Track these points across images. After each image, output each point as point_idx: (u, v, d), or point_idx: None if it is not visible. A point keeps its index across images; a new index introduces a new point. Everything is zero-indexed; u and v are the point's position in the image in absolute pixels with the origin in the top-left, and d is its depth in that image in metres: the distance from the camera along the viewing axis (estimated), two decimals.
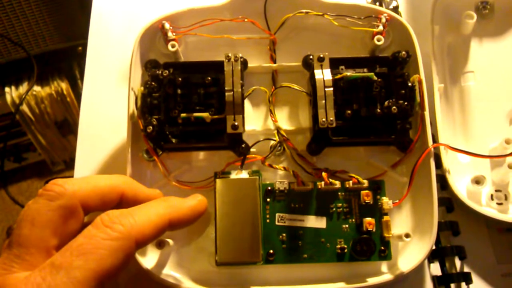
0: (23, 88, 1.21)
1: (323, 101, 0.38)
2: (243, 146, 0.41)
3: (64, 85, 1.21)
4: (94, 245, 0.28)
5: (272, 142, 0.43)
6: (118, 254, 0.28)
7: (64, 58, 1.20)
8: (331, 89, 0.39)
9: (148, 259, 0.39)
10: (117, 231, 0.29)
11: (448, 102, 0.46)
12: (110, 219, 0.29)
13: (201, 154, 0.43)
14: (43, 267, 0.27)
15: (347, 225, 0.39)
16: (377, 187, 0.40)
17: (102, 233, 0.28)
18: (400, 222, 0.41)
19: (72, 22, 1.12)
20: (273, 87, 0.43)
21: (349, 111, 0.40)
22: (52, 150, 1.30)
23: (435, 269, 0.41)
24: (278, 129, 0.42)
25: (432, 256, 0.41)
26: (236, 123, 0.38)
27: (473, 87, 0.47)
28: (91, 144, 0.46)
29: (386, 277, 0.39)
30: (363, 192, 0.39)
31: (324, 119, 0.38)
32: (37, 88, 1.22)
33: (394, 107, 0.39)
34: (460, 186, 0.43)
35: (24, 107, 1.22)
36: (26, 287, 0.26)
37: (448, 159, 0.43)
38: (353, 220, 0.39)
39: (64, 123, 1.25)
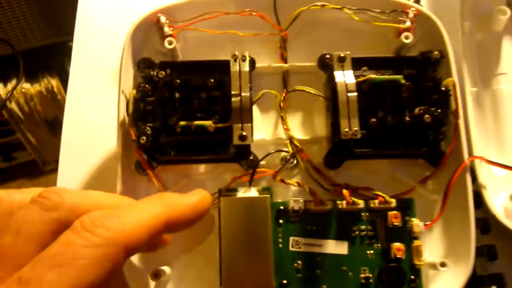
0: (12, 85, 1.14)
1: (346, 108, 0.32)
2: (251, 158, 0.35)
3: (54, 82, 1.14)
4: (71, 255, 0.23)
5: (283, 154, 0.37)
6: (102, 265, 0.23)
7: (55, 54, 1.13)
8: (355, 94, 0.33)
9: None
10: (100, 236, 0.23)
11: (480, 108, 0.40)
12: (91, 222, 0.24)
13: (202, 167, 0.37)
14: (8, 283, 0.22)
15: (372, 251, 0.33)
16: (406, 207, 0.34)
17: (82, 238, 0.23)
18: (431, 247, 0.35)
19: (63, 16, 1.05)
20: (285, 90, 0.37)
21: (373, 119, 0.34)
22: (43, 149, 1.23)
23: None
24: (290, 138, 0.36)
25: (467, 286, 0.35)
26: (244, 133, 0.32)
27: (506, 90, 0.41)
28: (76, 153, 0.39)
29: None
30: (390, 213, 0.33)
31: (347, 129, 0.32)
32: (26, 85, 1.15)
33: (427, 115, 0.33)
34: (497, 204, 0.37)
35: (13, 105, 1.15)
36: None
37: (482, 173, 0.37)
38: (379, 245, 0.33)
39: (55, 122, 1.18)
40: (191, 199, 0.29)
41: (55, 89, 1.13)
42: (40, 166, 1.27)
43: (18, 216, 0.25)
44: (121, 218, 0.25)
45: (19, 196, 0.28)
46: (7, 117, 1.14)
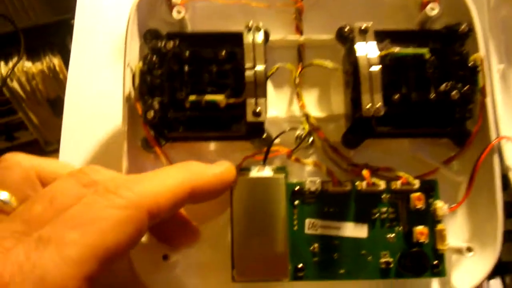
0: (13, 63, 1.12)
1: (368, 83, 0.30)
2: (264, 136, 0.33)
3: (56, 61, 1.11)
4: (94, 215, 0.22)
5: (298, 132, 0.34)
6: (125, 227, 0.22)
7: (57, 32, 1.09)
8: (378, 67, 0.30)
9: (150, 274, 0.31)
10: (124, 198, 0.23)
11: (506, 86, 0.38)
12: (115, 185, 0.23)
13: (212, 145, 0.34)
14: (28, 241, 0.21)
15: (393, 235, 0.31)
16: (429, 188, 0.32)
17: (106, 200, 0.23)
18: (455, 231, 0.33)
19: None
20: (300, 65, 0.35)
21: (396, 96, 0.32)
22: (45, 129, 1.21)
23: (495, 287, 0.34)
24: (306, 116, 0.33)
25: (492, 273, 0.33)
26: (258, 109, 0.30)
27: None
28: (79, 130, 0.37)
29: None
30: (413, 195, 0.31)
31: (369, 106, 0.30)
32: (28, 64, 1.12)
33: (454, 92, 0.31)
34: None
35: (14, 84, 1.12)
36: (4, 267, 0.20)
37: (509, 154, 0.35)
38: (400, 228, 0.31)
39: (57, 101, 1.15)
40: (217, 168, 0.29)
41: (57, 68, 1.10)
42: (42, 146, 1.25)
43: (54, 187, 0.24)
44: (145, 182, 0.24)
45: (48, 166, 0.27)
46: (9, 96, 1.12)
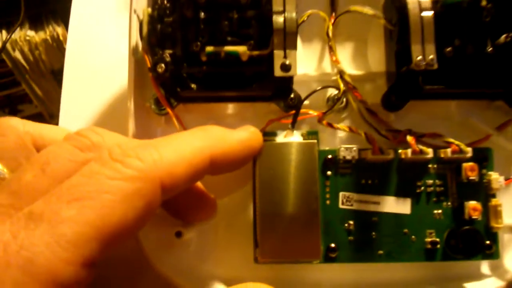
0: (15, 33, 1.07)
1: (419, 32, 0.25)
2: (292, 97, 0.28)
3: (60, 30, 1.06)
4: (96, 187, 0.18)
5: (330, 92, 0.30)
6: (133, 202, 0.19)
7: None
8: (431, 13, 0.25)
9: (160, 254, 0.27)
10: (132, 167, 0.19)
11: None
12: (123, 152, 0.20)
13: (231, 107, 0.30)
14: (17, 217, 0.18)
15: (440, 211, 0.27)
16: (482, 158, 0.27)
17: (110, 169, 0.19)
18: (509, 208, 0.29)
19: None
20: (333, 14, 0.30)
21: (448, 48, 0.27)
22: (49, 102, 1.17)
23: None
24: (340, 73, 0.29)
25: None
26: (287, 62, 0.25)
27: None
28: (80, 90, 0.32)
29: (493, 283, 0.27)
30: (465, 165, 0.26)
31: (420, 58, 0.25)
32: (30, 33, 1.07)
33: None
34: None
35: (17, 54, 1.08)
36: None
37: None
38: (449, 203, 0.27)
39: (61, 72, 1.11)
40: (241, 134, 0.24)
41: (61, 37, 1.05)
42: (47, 119, 1.21)
43: (46, 152, 0.21)
44: (158, 148, 0.20)
45: (46, 131, 0.24)
46: (11, 66, 1.07)
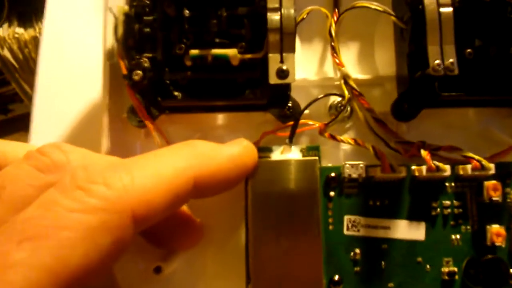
0: (4, 31, 1.03)
1: (437, 31, 0.21)
2: (290, 105, 0.25)
3: None
4: (53, 222, 0.16)
5: (333, 99, 0.26)
6: (97, 239, 0.16)
7: None
8: (450, 10, 0.22)
9: None
10: (97, 196, 0.16)
11: None
12: (87, 176, 0.17)
13: (221, 117, 0.26)
14: None
15: (458, 236, 0.23)
16: (505, 174, 0.24)
17: (70, 199, 0.16)
18: None
19: None
20: (336, 10, 0.26)
21: (469, 50, 0.23)
22: None
23: None
24: (345, 78, 0.25)
25: None
26: (284, 67, 0.22)
27: None
28: (53, 99, 0.29)
29: None
30: (487, 183, 0.23)
31: (438, 61, 0.21)
32: (19, 30, 1.03)
33: None
34: None
35: (6, 52, 1.04)
36: None
37: None
38: (469, 227, 0.24)
39: None
40: (231, 149, 0.21)
41: None
42: None
43: (3, 174, 0.18)
44: (130, 170, 0.17)
45: (12, 149, 0.21)
46: (0, 65, 1.03)
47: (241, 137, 0.22)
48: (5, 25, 1.03)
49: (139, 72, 0.21)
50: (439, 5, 0.21)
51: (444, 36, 0.21)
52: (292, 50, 0.22)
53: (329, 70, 0.26)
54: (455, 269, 0.23)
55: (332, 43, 0.25)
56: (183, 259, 0.24)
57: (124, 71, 0.22)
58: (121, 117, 0.25)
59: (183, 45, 0.23)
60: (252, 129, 0.25)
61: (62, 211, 0.16)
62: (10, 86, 1.12)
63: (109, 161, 0.19)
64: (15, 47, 1.04)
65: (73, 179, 0.17)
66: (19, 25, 1.03)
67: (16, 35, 1.02)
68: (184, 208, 0.23)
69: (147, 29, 0.23)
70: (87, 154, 0.20)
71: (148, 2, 0.23)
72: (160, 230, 0.22)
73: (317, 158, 0.23)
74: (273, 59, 0.22)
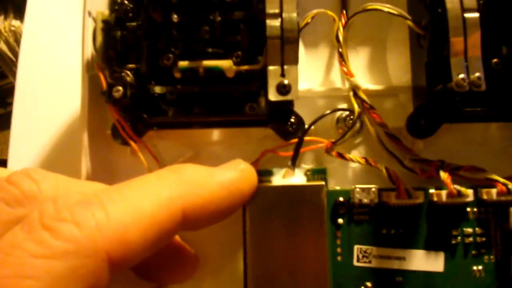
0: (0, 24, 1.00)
1: (462, 40, 0.18)
2: (293, 121, 0.22)
3: None
4: (15, 270, 0.13)
5: (339, 113, 0.23)
6: None
7: None
8: (477, 15, 0.19)
9: None
10: (64, 238, 0.14)
11: None
12: (57, 211, 0.15)
13: (216, 133, 0.23)
14: None
15: (480, 267, 0.21)
16: None
17: (34, 242, 0.14)
18: None
19: None
20: (344, 12, 0.23)
21: (495, 59, 0.20)
22: None
23: None
24: (354, 88, 0.22)
25: None
26: (286, 81, 0.19)
27: None
28: (30, 115, 0.25)
29: None
30: None
31: (463, 76, 0.18)
32: (16, 23, 1.00)
33: None
34: None
35: (2, 45, 1.01)
36: None
37: None
38: (492, 257, 0.21)
39: None
40: (226, 174, 0.18)
41: None
42: None
43: None
44: (105, 205, 0.15)
45: None
46: None
47: (238, 154, 0.20)
48: (1, 18, 1.00)
49: (120, 88, 0.19)
50: (464, 10, 0.18)
51: (469, 45, 0.18)
52: (294, 61, 0.19)
53: (337, 80, 0.23)
54: None
55: (340, 50, 0.22)
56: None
57: (104, 87, 0.19)
58: (105, 133, 0.22)
59: (171, 55, 0.20)
60: (250, 146, 0.23)
61: (26, 256, 0.13)
62: (7, 80, 1.09)
63: (83, 192, 0.17)
64: (11, 40, 1.00)
65: (41, 215, 0.14)
66: (15, 18, 1.00)
67: (13, 28, 0.99)
68: (177, 237, 0.21)
69: (131, 37, 0.20)
70: (61, 181, 0.17)
71: (131, 6, 0.20)
72: (150, 262, 0.20)
73: (323, 183, 0.20)
74: (273, 72, 0.19)
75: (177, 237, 0.21)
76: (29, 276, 0.13)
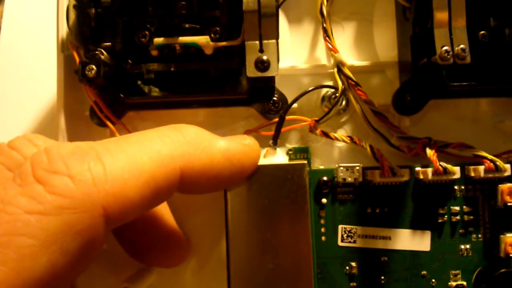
0: None
1: (445, 11, 0.18)
2: (275, 99, 0.21)
3: None
4: (8, 228, 0.13)
5: (325, 91, 0.23)
6: (62, 244, 0.13)
7: None
8: None
9: None
10: (58, 193, 0.13)
11: None
12: (50, 164, 0.14)
13: (199, 113, 0.23)
14: None
15: (468, 246, 0.20)
16: None
17: (28, 197, 0.13)
18: None
19: None
20: None
21: (483, 32, 0.20)
22: None
23: None
24: (339, 65, 0.22)
25: None
26: (264, 57, 0.18)
27: None
28: (6, 96, 0.25)
29: None
30: (502, 186, 0.20)
31: (447, 47, 0.18)
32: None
33: None
34: None
35: None
36: None
37: None
38: (480, 236, 0.21)
39: None
40: (229, 144, 0.18)
41: None
42: None
43: None
44: (103, 157, 0.14)
45: None
46: None
47: (222, 134, 0.19)
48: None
49: (93, 66, 0.18)
50: None
51: (453, 16, 0.18)
52: (273, 36, 0.18)
53: (321, 56, 0.23)
54: (464, 283, 0.20)
55: (324, 25, 0.22)
56: (161, 276, 0.21)
57: (77, 65, 0.19)
58: (83, 114, 0.22)
59: (147, 32, 0.19)
60: (232, 125, 0.22)
61: (18, 212, 0.13)
62: None
63: (78, 143, 0.16)
64: None
65: (33, 166, 0.14)
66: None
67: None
68: (172, 221, 0.20)
69: (105, 14, 0.19)
70: (60, 143, 0.17)
71: None
72: (141, 239, 0.19)
73: (306, 162, 0.19)
74: (251, 47, 0.18)
75: (172, 221, 0.20)
76: (23, 233, 0.13)
